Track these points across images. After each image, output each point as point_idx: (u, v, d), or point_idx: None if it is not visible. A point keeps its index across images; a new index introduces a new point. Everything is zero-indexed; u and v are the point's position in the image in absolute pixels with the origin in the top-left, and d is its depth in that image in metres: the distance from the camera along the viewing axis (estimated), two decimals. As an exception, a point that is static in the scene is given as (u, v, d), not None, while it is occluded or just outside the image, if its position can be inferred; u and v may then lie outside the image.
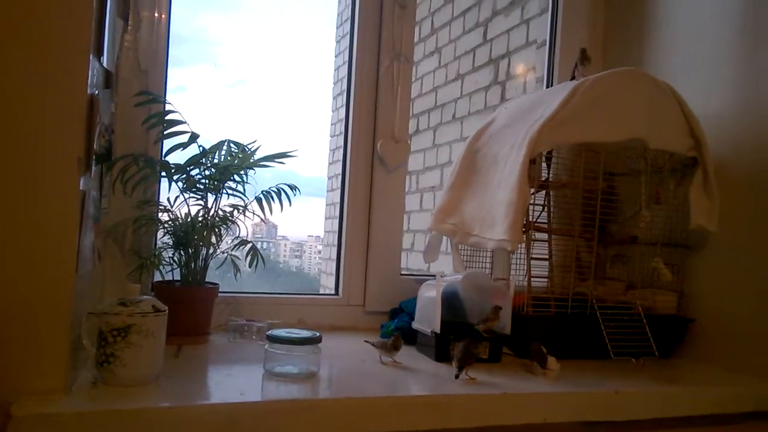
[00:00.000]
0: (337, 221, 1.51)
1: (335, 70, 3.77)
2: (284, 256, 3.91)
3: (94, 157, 0.86)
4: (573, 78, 1.38)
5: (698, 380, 1.19)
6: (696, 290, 1.34)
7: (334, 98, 3.74)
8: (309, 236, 4.13)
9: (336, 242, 1.51)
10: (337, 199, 1.52)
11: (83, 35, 0.79)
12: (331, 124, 3.78)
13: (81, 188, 0.80)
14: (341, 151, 1.52)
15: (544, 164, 1.32)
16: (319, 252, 3.96)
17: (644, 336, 1.23)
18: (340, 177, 1.52)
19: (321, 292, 3.76)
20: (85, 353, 0.89)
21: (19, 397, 0.75)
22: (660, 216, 1.33)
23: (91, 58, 0.80)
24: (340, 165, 1.52)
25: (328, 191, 3.62)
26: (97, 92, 0.85)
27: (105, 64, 0.92)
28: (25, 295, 0.77)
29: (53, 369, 0.79)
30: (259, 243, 1.26)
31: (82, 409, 0.76)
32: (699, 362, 1.30)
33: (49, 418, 0.74)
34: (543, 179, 1.31)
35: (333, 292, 1.50)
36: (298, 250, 3.99)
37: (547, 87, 1.66)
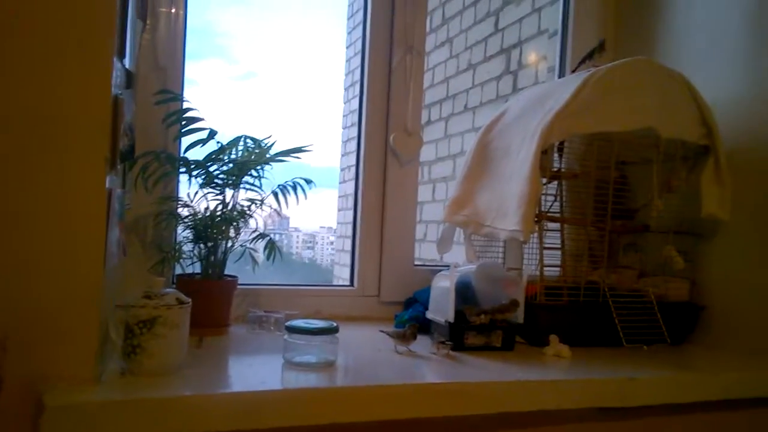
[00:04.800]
0: (349, 213, 1.53)
1: (347, 62, 3.78)
2: (297, 247, 3.93)
3: (118, 156, 0.89)
4: (577, 68, 1.39)
5: (710, 366, 1.20)
6: (708, 278, 1.35)
7: (346, 89, 3.75)
8: (321, 227, 4.15)
9: (349, 234, 1.53)
10: (350, 191, 1.54)
11: (107, 39, 0.81)
12: (343, 116, 3.79)
13: (107, 187, 0.83)
14: (353, 143, 1.54)
15: (556, 154, 1.33)
16: (332, 243, 3.98)
17: (656, 323, 1.24)
18: (352, 168, 1.54)
19: (334, 282, 3.79)
20: (113, 344, 0.93)
21: (52, 387, 0.78)
22: (672, 204, 1.33)
23: (114, 60, 0.83)
24: (352, 156, 1.54)
25: (340, 182, 3.64)
26: (120, 93, 0.87)
27: (127, 65, 0.95)
28: (56, 289, 0.80)
29: (84, 360, 0.82)
30: (272, 234, 1.29)
31: (111, 398, 0.79)
32: (711, 349, 1.31)
33: (80, 406, 0.77)
34: (555, 169, 1.32)
35: (348, 283, 1.53)
36: (310, 242, 4.01)
37: (559, 77, 1.66)
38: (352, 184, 1.55)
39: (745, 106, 1.30)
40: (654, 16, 1.54)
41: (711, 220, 1.29)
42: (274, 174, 1.27)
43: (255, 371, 0.98)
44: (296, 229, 4.00)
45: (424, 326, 1.25)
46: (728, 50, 1.35)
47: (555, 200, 1.35)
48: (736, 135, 1.31)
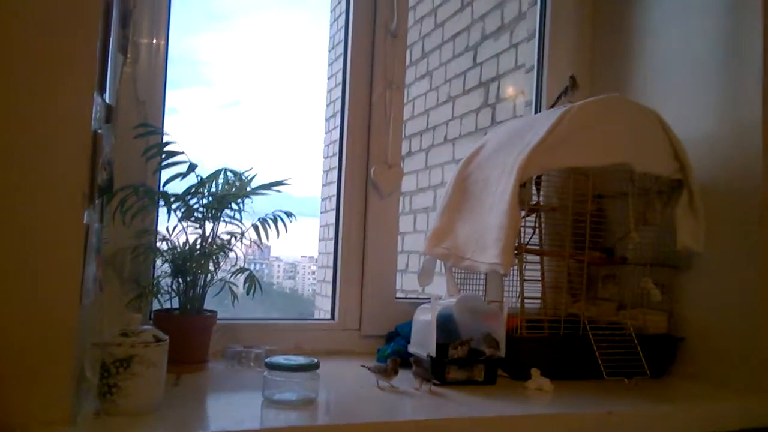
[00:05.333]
0: (330, 243, 1.53)
1: (328, 92, 3.81)
2: (278, 277, 3.89)
3: (96, 191, 0.88)
4: (555, 104, 1.42)
5: (688, 398, 1.21)
6: (685, 309, 1.37)
7: (327, 120, 3.77)
8: (302, 257, 4.11)
9: (330, 264, 1.53)
10: (331, 221, 1.54)
11: (88, 74, 0.82)
12: (325, 146, 3.81)
13: (85, 222, 0.82)
14: (335, 173, 1.54)
15: (534, 188, 1.36)
16: (313, 273, 3.94)
17: (636, 356, 1.25)
18: (333, 199, 1.55)
19: (316, 313, 3.73)
20: (88, 383, 0.90)
21: (25, 428, 0.76)
22: (649, 237, 1.36)
23: (95, 95, 0.83)
24: (333, 186, 1.54)
25: (321, 212, 3.63)
26: (100, 128, 0.87)
27: (107, 99, 0.95)
28: (30, 327, 0.78)
29: (58, 400, 0.80)
30: (253, 264, 1.27)
31: (86, 440, 0.78)
32: (689, 380, 1.32)
33: (53, 449, 0.75)
34: (533, 202, 1.34)
35: (328, 315, 1.51)
36: (291, 271, 3.96)
37: (536, 111, 1.70)
38: (334, 213, 1.55)
39: (717, 141, 1.34)
40: (628, 53, 1.59)
41: (686, 252, 1.31)
42: (255, 204, 1.27)
43: (234, 410, 0.97)
44: (277, 259, 3.95)
45: (406, 360, 1.24)
46: (699, 86, 1.39)
47: (534, 233, 1.37)
48: (710, 169, 1.34)
